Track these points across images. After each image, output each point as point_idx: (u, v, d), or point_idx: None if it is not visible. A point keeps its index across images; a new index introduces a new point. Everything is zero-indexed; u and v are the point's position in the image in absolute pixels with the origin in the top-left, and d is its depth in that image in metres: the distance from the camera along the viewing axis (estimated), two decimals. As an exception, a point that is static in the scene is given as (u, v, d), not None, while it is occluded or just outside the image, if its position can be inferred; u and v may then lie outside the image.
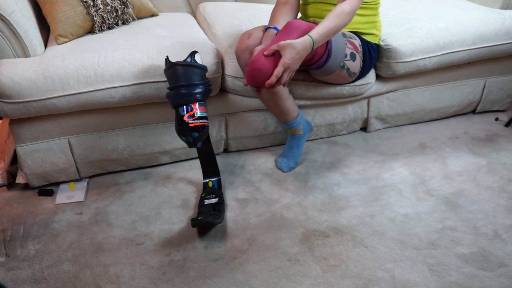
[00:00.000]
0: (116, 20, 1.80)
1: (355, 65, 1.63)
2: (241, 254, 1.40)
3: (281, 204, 1.60)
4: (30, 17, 1.61)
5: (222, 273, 1.33)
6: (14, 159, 1.68)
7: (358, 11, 1.61)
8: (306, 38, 1.34)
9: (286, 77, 1.36)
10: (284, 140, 1.90)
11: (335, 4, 1.56)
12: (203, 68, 1.46)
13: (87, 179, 1.75)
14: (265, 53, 1.35)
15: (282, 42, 1.33)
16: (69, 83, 1.49)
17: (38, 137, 1.60)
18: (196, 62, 1.46)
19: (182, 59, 1.57)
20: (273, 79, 1.33)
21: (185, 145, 1.78)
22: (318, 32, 1.36)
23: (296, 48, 1.32)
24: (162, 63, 1.56)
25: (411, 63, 1.78)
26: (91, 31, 1.75)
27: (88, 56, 1.54)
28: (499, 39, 1.86)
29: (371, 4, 1.62)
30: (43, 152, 1.62)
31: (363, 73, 1.71)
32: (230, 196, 1.65)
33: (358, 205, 1.59)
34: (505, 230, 1.47)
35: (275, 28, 1.51)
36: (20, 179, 1.67)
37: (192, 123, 1.39)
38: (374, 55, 1.70)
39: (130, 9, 1.84)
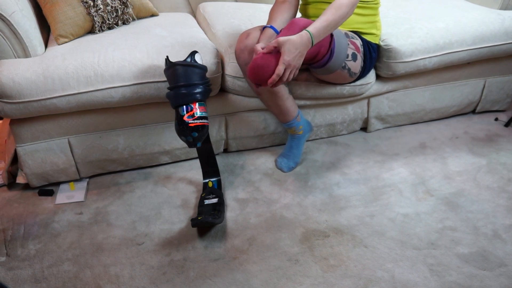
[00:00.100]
0: (116, 20, 1.81)
1: (356, 65, 1.63)
2: (241, 254, 1.40)
3: (281, 204, 1.60)
4: (31, 18, 1.61)
5: (222, 273, 1.33)
6: (15, 159, 1.68)
7: (358, 11, 1.61)
8: (303, 33, 1.33)
9: (288, 75, 1.35)
10: (284, 140, 1.90)
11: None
12: (203, 68, 1.46)
13: (87, 179, 1.75)
14: (264, 50, 1.35)
15: (280, 39, 1.32)
16: (69, 83, 1.49)
17: (38, 137, 1.60)
18: (196, 62, 1.46)
19: (182, 59, 1.57)
20: (274, 77, 1.33)
21: (185, 145, 1.78)
22: (316, 26, 1.35)
23: (294, 44, 1.31)
24: (162, 63, 1.56)
25: (411, 63, 1.78)
26: (91, 31, 1.75)
27: (88, 56, 1.54)
28: (498, 39, 1.86)
29: (371, 4, 1.62)
30: (43, 152, 1.62)
31: (363, 73, 1.71)
32: (230, 196, 1.65)
33: (358, 205, 1.59)
34: (505, 230, 1.47)
35: (271, 27, 1.51)
36: (20, 179, 1.67)
37: (192, 123, 1.39)
38: (374, 55, 1.70)
39: (130, 9, 1.84)
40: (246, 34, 1.54)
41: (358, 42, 1.62)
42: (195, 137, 1.41)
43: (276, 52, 1.34)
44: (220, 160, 1.83)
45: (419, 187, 1.67)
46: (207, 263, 1.37)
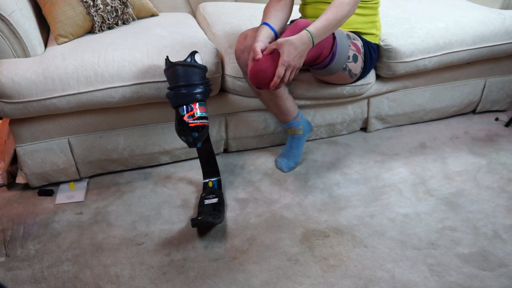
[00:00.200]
0: (116, 20, 1.80)
1: (357, 67, 1.63)
2: (241, 254, 1.40)
3: (281, 204, 1.60)
4: (30, 17, 1.61)
5: (222, 273, 1.33)
6: (14, 159, 1.68)
7: (358, 11, 1.61)
8: (303, 33, 1.33)
9: (288, 75, 1.34)
10: (284, 140, 1.90)
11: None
12: (203, 68, 1.46)
13: (87, 179, 1.75)
14: (265, 52, 1.35)
15: (279, 40, 1.32)
16: (69, 83, 1.49)
17: (38, 137, 1.60)
18: (196, 62, 1.46)
19: (182, 59, 1.56)
20: (275, 80, 1.33)
21: (185, 145, 1.78)
22: (316, 26, 1.34)
23: (293, 44, 1.31)
24: (162, 63, 1.56)
25: (411, 63, 1.78)
26: (91, 31, 1.75)
27: (88, 56, 1.54)
28: (499, 39, 1.86)
29: (371, 4, 1.62)
30: (43, 152, 1.62)
31: (363, 73, 1.71)
32: (230, 196, 1.65)
33: (358, 205, 1.59)
34: (505, 230, 1.47)
35: (265, 23, 1.50)
36: (20, 179, 1.67)
37: (192, 123, 1.39)
38: (374, 55, 1.70)
39: (130, 9, 1.84)
40: (245, 35, 1.55)
41: (359, 43, 1.62)
42: (195, 137, 1.41)
43: (276, 54, 1.34)
44: (220, 160, 1.83)
45: (419, 187, 1.67)
46: (207, 263, 1.37)
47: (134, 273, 1.34)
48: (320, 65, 1.53)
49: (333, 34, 1.47)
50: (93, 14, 1.70)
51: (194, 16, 2.14)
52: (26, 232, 1.50)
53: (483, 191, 1.64)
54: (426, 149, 1.89)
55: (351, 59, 1.58)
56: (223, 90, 1.71)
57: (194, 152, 1.82)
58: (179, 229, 1.50)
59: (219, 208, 1.51)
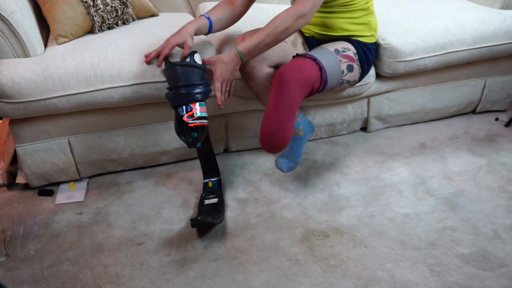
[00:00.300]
0: (116, 20, 1.80)
1: (354, 74, 1.62)
2: (241, 254, 1.40)
3: (281, 204, 1.60)
4: (30, 17, 1.61)
5: (222, 273, 1.33)
6: (14, 159, 1.68)
7: (348, 15, 1.58)
8: (233, 51, 1.42)
9: (225, 87, 1.46)
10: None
11: (326, 10, 1.56)
12: (203, 68, 1.46)
13: (87, 179, 1.75)
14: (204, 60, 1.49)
15: (213, 57, 1.45)
16: (69, 83, 1.49)
17: (38, 137, 1.60)
18: (195, 62, 1.46)
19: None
20: (217, 94, 1.44)
21: (185, 145, 1.77)
22: (245, 45, 1.41)
23: (223, 61, 1.43)
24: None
25: (411, 62, 1.78)
26: (91, 31, 1.75)
27: (88, 56, 1.54)
28: (499, 39, 1.86)
29: (360, 5, 1.58)
30: (43, 152, 1.62)
31: (362, 76, 1.70)
32: (230, 196, 1.65)
33: (358, 205, 1.59)
34: (505, 230, 1.47)
35: (206, 16, 1.54)
36: (20, 179, 1.67)
37: (192, 123, 1.39)
38: (371, 57, 1.67)
39: (130, 9, 1.84)
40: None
41: (351, 52, 1.59)
42: (195, 137, 1.41)
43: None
44: (220, 160, 1.83)
45: (419, 187, 1.67)
46: (207, 263, 1.37)
47: (134, 273, 1.34)
48: (316, 93, 1.53)
49: (319, 65, 1.45)
50: (93, 14, 1.70)
51: (194, 16, 2.14)
52: (26, 232, 1.50)
53: (483, 191, 1.64)
54: (426, 149, 1.89)
55: (345, 72, 1.57)
56: (223, 90, 1.71)
57: (194, 152, 1.82)
58: (179, 229, 1.50)
59: (219, 208, 1.51)
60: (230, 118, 1.80)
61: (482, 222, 1.50)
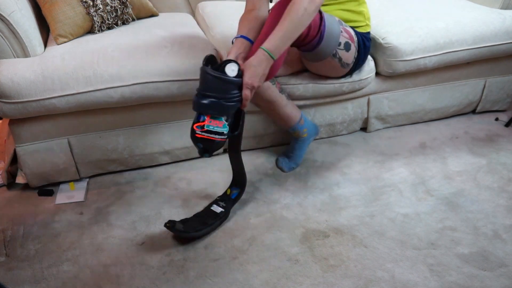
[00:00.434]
0: (116, 20, 1.80)
1: (348, 56, 1.60)
2: (241, 254, 1.40)
3: (281, 204, 1.60)
4: (30, 17, 1.61)
5: (222, 273, 1.33)
6: (14, 159, 1.68)
7: (341, 7, 1.59)
8: (259, 52, 1.32)
9: (249, 95, 1.34)
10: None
11: (336, 4, 1.56)
12: (232, 82, 1.31)
13: (87, 179, 1.75)
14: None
15: (244, 64, 1.33)
16: (68, 83, 1.49)
17: (38, 137, 1.60)
18: (225, 73, 1.31)
19: (181, 59, 1.57)
20: (245, 104, 1.34)
21: (185, 145, 1.78)
22: (269, 42, 1.32)
23: (253, 64, 1.31)
24: (161, 64, 1.56)
25: (412, 61, 1.78)
26: (90, 31, 1.75)
27: (88, 56, 1.54)
28: (499, 39, 1.86)
29: None
30: (43, 152, 1.62)
31: (357, 64, 1.69)
32: (230, 196, 1.64)
33: (358, 205, 1.58)
34: (505, 230, 1.47)
35: (242, 36, 1.47)
36: (20, 179, 1.67)
37: (199, 134, 1.32)
38: (368, 44, 1.67)
39: (130, 9, 1.84)
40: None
41: (352, 31, 1.59)
42: (201, 148, 1.35)
43: None
44: (220, 160, 1.83)
45: (419, 187, 1.67)
46: (207, 263, 1.37)
47: (134, 273, 1.34)
48: (308, 47, 1.49)
49: (320, 13, 1.42)
50: (93, 14, 1.70)
51: (194, 16, 2.14)
52: (26, 232, 1.50)
53: (483, 191, 1.64)
54: (426, 149, 1.89)
55: (342, 47, 1.55)
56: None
57: (194, 152, 1.82)
58: (179, 229, 1.50)
59: (212, 221, 1.47)
60: (230, 118, 1.79)
61: (482, 222, 1.50)
